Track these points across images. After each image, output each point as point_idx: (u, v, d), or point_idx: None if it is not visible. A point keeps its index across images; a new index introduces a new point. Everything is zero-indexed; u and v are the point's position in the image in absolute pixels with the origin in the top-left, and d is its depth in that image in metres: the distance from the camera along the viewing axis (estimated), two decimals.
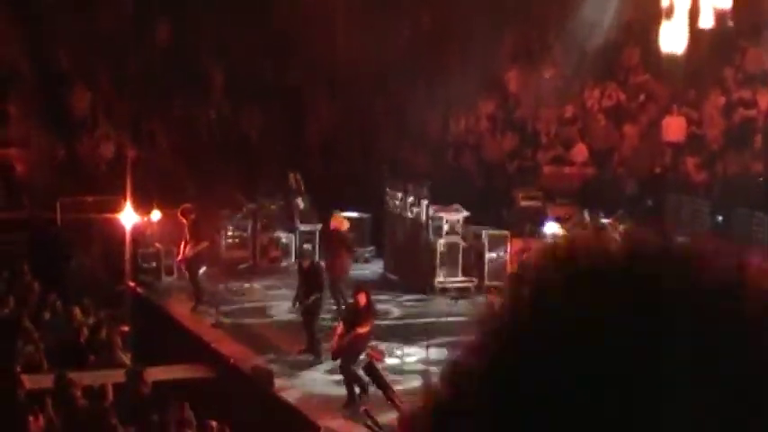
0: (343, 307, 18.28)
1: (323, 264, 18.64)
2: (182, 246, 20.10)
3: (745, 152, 22.29)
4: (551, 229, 20.56)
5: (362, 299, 15.58)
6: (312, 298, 17.18)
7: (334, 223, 20.13)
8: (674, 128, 23.70)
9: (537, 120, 26.17)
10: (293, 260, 22.34)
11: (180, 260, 20.51)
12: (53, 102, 25.40)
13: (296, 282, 18.47)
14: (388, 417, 13.41)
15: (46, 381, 12.95)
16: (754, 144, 22.44)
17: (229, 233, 23.02)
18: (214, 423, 11.88)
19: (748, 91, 23.38)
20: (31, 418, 11.45)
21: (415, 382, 15.43)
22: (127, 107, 24.63)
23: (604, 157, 24.75)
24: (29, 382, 12.79)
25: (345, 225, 20.24)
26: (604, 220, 20.66)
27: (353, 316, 15.69)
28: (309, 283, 17.38)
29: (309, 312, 17.16)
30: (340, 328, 15.63)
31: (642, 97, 25.13)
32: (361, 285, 16.66)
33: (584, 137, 25.32)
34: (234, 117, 26.97)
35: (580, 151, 25.04)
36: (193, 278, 19.88)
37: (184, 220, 20.00)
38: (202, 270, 20.13)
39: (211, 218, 21.68)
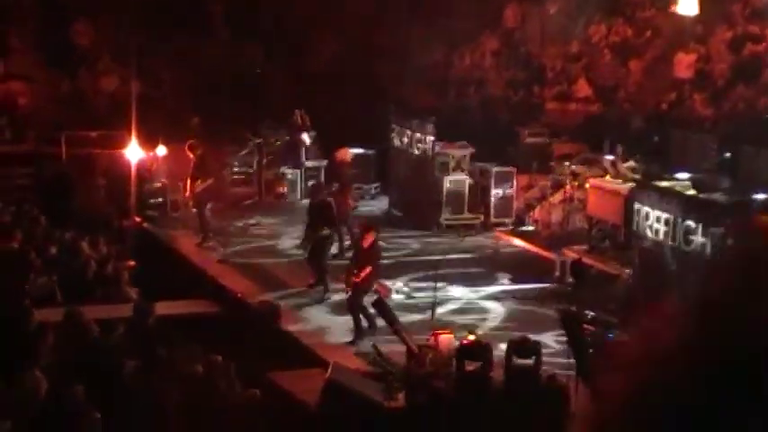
0: (347, 243, 18.31)
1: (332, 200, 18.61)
2: (188, 181, 20.09)
3: (753, 87, 22.16)
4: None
5: (368, 240, 15.48)
6: (323, 232, 17.14)
7: (338, 156, 20.08)
8: (686, 63, 23.52)
9: (542, 56, 26.00)
10: (299, 196, 22.34)
11: (187, 196, 20.52)
12: (55, 35, 25.23)
13: (302, 218, 18.48)
14: (395, 350, 13.49)
15: (55, 314, 12.99)
16: (762, 79, 22.30)
17: (235, 169, 23.00)
18: (219, 357, 11.90)
19: (756, 26, 23.20)
20: (41, 349, 11.51)
21: (421, 317, 15.53)
22: (128, 42, 24.46)
23: (610, 93, 24.62)
24: (38, 314, 12.82)
25: (348, 157, 20.17)
26: (609, 157, 20.61)
27: (358, 255, 15.69)
28: (321, 219, 17.33)
29: (318, 246, 17.12)
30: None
31: (649, 33, 24.93)
32: (370, 225, 16.39)
33: (590, 73, 25.16)
34: (237, 52, 26.79)
35: (582, 87, 24.90)
36: (200, 214, 19.90)
37: (191, 156, 19.97)
38: (209, 206, 20.14)
39: (217, 154, 21.63)
